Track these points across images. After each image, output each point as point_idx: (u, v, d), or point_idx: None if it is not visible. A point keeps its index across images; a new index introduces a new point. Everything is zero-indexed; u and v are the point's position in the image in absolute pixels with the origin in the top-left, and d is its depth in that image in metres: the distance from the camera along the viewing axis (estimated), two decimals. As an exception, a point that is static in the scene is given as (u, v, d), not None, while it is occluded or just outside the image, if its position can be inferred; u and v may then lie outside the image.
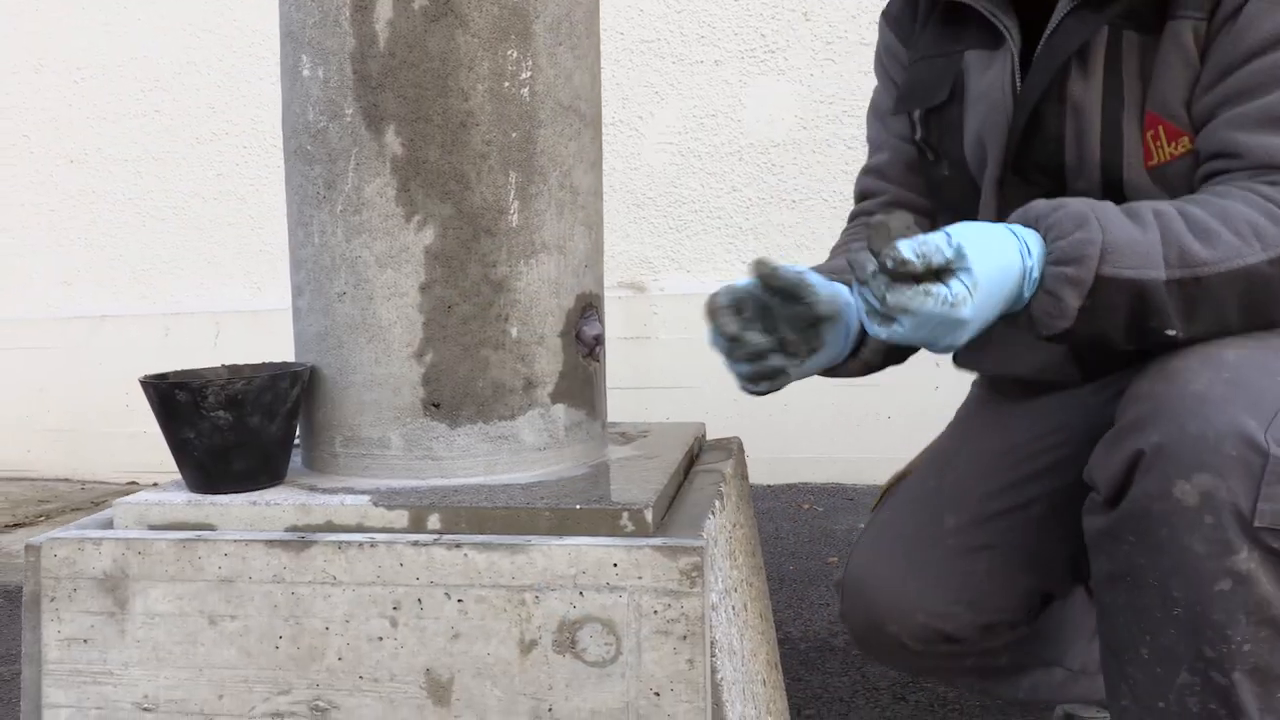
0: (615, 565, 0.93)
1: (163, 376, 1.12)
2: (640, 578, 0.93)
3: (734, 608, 1.10)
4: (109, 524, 1.07)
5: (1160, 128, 1.09)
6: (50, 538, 1.03)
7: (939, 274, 0.91)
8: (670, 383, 3.18)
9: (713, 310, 1.04)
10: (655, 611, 0.92)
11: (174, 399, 1.05)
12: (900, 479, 1.43)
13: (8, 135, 3.92)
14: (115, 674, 1.00)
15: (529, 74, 1.10)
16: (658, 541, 0.94)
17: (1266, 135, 1.01)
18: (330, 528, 1.02)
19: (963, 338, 0.94)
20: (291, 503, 1.03)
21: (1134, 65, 1.09)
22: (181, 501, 1.06)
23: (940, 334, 0.94)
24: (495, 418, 1.11)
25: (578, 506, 0.99)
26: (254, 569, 0.99)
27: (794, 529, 2.77)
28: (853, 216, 1.42)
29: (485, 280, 1.10)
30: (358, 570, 0.97)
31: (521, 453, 1.12)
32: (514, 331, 1.11)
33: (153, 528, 1.05)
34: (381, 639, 0.97)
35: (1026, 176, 1.17)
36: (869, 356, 1.16)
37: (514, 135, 1.10)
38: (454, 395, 1.10)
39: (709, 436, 1.47)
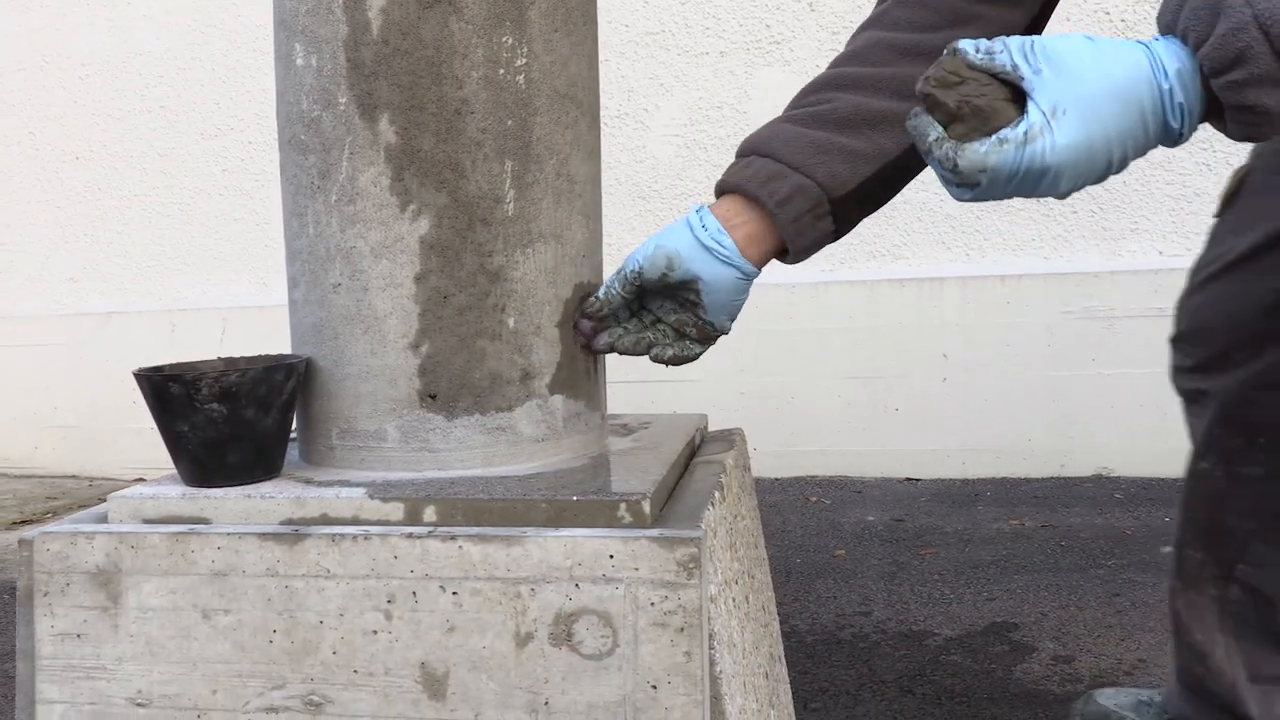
0: (612, 557, 0.92)
1: (157, 369, 1.11)
2: (637, 569, 0.91)
3: (734, 600, 1.09)
4: (104, 518, 1.06)
5: None
6: (43, 532, 1.02)
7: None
8: (676, 375, 3.16)
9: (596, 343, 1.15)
10: (652, 603, 0.91)
11: (167, 391, 1.04)
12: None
13: (13, 132, 3.93)
14: (109, 669, 0.99)
15: (524, 61, 1.09)
16: (654, 533, 0.92)
17: None
18: (325, 520, 1.01)
19: (1062, 184, 0.80)
20: (286, 496, 1.02)
21: None
22: (176, 495, 1.05)
23: (1030, 183, 0.81)
24: (492, 409, 1.10)
25: (574, 498, 0.98)
26: (247, 563, 0.98)
27: (801, 522, 2.76)
28: None
29: (481, 270, 1.08)
30: (351, 563, 0.96)
31: (519, 444, 1.11)
32: (511, 322, 1.10)
33: (147, 521, 1.04)
34: (376, 632, 0.95)
35: None
36: (816, 238, 1.11)
37: (509, 123, 1.08)
38: (450, 386, 1.09)
39: (714, 429, 1.45)
